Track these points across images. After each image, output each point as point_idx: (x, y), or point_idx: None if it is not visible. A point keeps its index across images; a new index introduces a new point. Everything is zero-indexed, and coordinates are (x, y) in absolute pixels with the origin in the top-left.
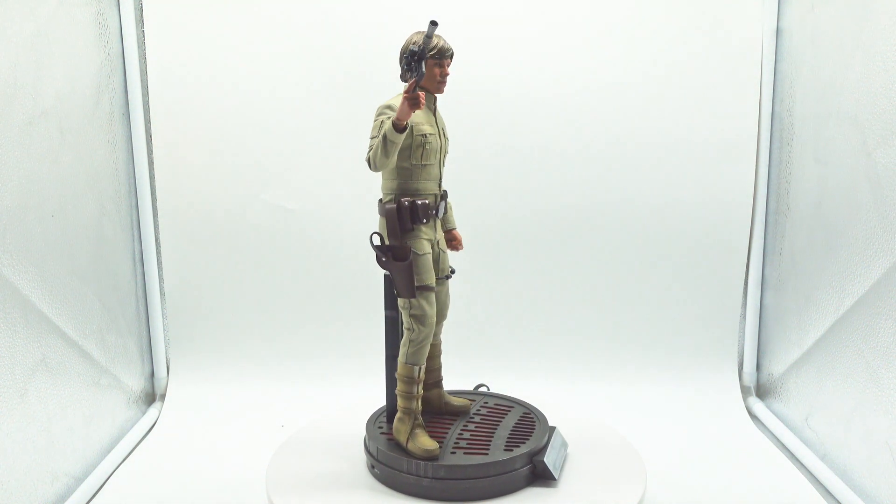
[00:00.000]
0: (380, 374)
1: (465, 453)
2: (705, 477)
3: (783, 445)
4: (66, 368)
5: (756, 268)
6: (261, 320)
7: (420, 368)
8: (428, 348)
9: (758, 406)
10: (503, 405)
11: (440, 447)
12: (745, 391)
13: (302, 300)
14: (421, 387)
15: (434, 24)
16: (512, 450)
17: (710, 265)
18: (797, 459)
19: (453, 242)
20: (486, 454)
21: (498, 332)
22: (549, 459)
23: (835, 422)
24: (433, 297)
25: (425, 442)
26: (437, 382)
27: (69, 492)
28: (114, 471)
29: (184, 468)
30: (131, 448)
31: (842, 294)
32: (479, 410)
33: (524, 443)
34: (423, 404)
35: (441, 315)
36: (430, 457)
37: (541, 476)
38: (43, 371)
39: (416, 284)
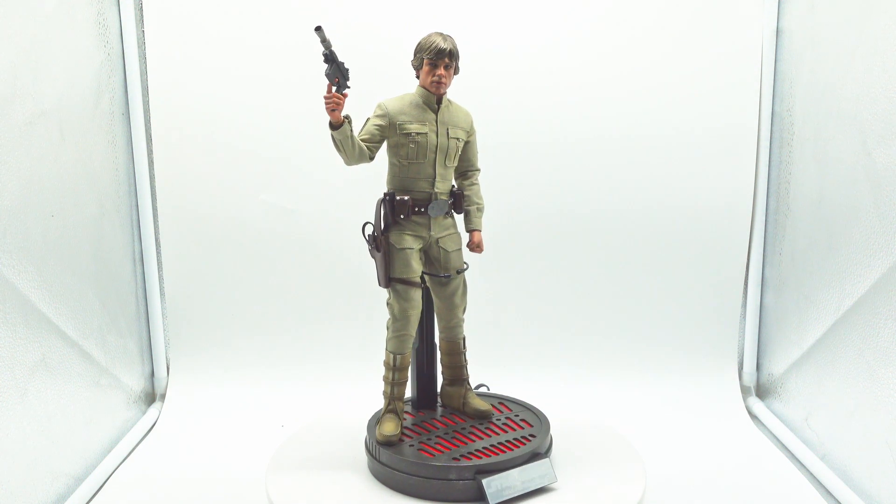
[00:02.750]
0: (380, 374)
1: (418, 450)
2: (705, 477)
3: (783, 445)
4: (67, 368)
5: (756, 268)
6: (261, 320)
7: (398, 357)
8: (407, 342)
9: (758, 406)
10: (527, 421)
11: (410, 438)
12: (745, 391)
13: (302, 300)
14: (401, 375)
15: (317, 29)
16: (459, 460)
17: (711, 265)
18: (797, 459)
19: (469, 244)
20: (433, 456)
21: (498, 331)
22: (493, 483)
23: (835, 422)
24: (410, 293)
25: (387, 427)
26: (457, 380)
27: (69, 491)
28: (114, 471)
29: (184, 468)
30: (131, 448)
31: (842, 294)
32: (498, 419)
33: (482, 458)
34: (444, 400)
35: (449, 313)
36: (385, 441)
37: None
38: (43, 371)
39: (389, 276)
